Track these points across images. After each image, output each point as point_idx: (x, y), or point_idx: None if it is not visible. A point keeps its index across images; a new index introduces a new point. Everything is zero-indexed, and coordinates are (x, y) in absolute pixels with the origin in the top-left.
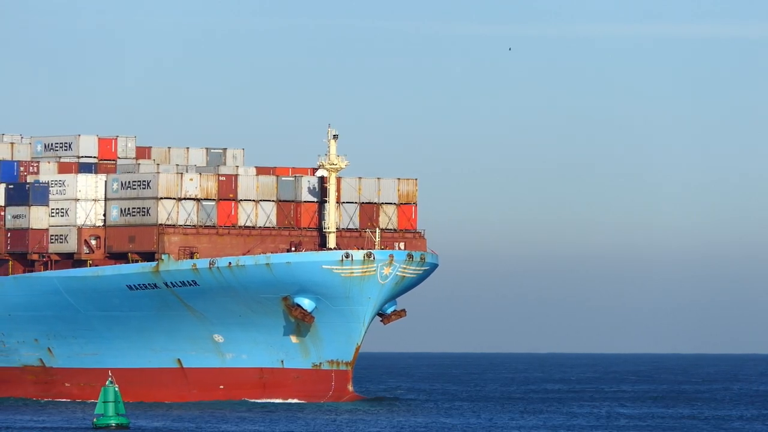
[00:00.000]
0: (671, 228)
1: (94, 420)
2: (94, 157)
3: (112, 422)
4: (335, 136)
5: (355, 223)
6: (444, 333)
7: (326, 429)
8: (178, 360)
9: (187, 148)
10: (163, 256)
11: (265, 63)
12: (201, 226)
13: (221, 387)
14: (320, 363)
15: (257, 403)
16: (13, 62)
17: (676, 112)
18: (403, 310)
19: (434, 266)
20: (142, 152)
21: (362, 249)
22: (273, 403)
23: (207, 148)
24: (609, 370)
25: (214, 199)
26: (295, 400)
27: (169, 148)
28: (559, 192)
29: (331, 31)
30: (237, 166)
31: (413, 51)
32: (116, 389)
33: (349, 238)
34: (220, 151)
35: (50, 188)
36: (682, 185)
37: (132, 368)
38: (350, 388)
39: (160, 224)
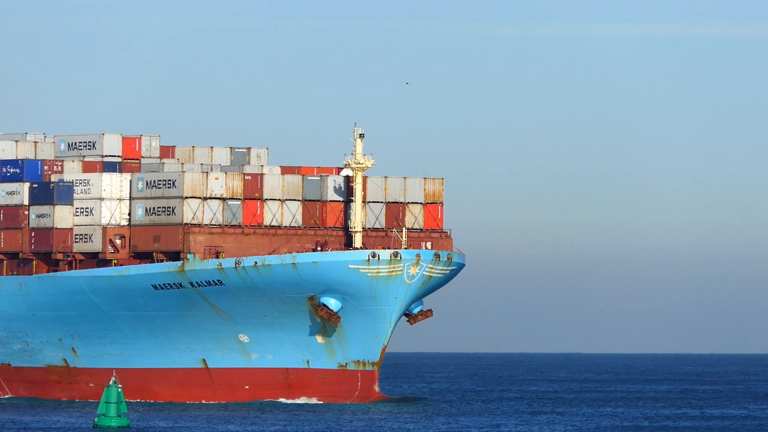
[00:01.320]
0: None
1: (95, 420)
2: (118, 156)
3: (113, 423)
4: (361, 135)
5: (381, 223)
6: (471, 333)
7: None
8: (203, 360)
9: (211, 147)
10: (188, 256)
11: (288, 62)
12: (226, 225)
13: (246, 387)
14: (346, 363)
15: (282, 403)
16: (34, 61)
17: (677, 112)
18: (430, 310)
19: (461, 266)
20: (166, 151)
21: (388, 249)
22: (298, 403)
23: (231, 148)
24: (672, 371)
25: (239, 199)
26: (316, 399)
27: (193, 147)
28: (587, 192)
29: (356, 32)
30: (262, 166)
31: (440, 51)
32: (119, 390)
33: (375, 237)
34: (245, 150)
35: (75, 187)
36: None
37: (156, 368)
38: (376, 388)
39: (186, 223)
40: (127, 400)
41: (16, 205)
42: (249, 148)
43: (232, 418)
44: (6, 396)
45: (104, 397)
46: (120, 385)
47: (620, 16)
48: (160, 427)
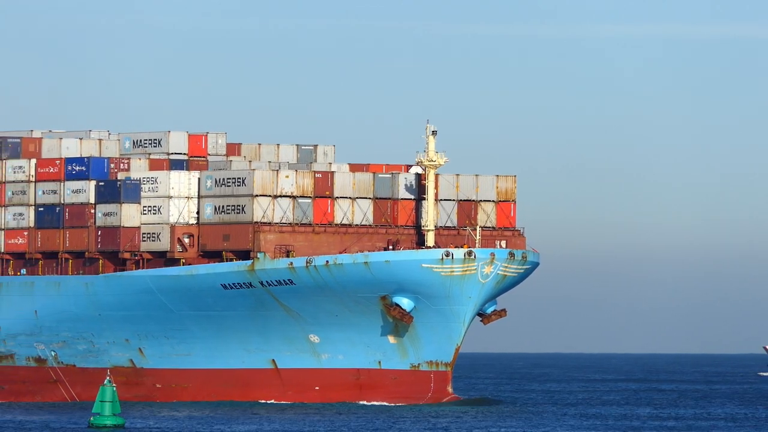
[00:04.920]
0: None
1: (90, 419)
2: (184, 153)
3: (108, 422)
4: (434, 133)
5: (453, 221)
6: (545, 333)
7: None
8: (273, 360)
9: (278, 144)
10: (258, 255)
11: (352, 60)
12: (297, 223)
13: (316, 388)
14: (419, 364)
15: (354, 405)
16: (94, 58)
17: (678, 112)
18: (504, 310)
19: (535, 265)
20: (232, 149)
21: (461, 247)
22: (370, 405)
23: (297, 145)
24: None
25: (310, 197)
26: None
27: (260, 144)
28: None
29: (426, 31)
30: (330, 163)
31: (512, 50)
32: (114, 389)
33: (447, 236)
34: (311, 147)
35: (142, 185)
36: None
37: (225, 369)
38: (450, 389)
39: (256, 222)
40: (192, 400)
41: (81, 203)
42: (315, 146)
43: (230, 419)
44: (72, 401)
45: (99, 396)
46: (114, 385)
47: (628, 16)
48: (154, 428)
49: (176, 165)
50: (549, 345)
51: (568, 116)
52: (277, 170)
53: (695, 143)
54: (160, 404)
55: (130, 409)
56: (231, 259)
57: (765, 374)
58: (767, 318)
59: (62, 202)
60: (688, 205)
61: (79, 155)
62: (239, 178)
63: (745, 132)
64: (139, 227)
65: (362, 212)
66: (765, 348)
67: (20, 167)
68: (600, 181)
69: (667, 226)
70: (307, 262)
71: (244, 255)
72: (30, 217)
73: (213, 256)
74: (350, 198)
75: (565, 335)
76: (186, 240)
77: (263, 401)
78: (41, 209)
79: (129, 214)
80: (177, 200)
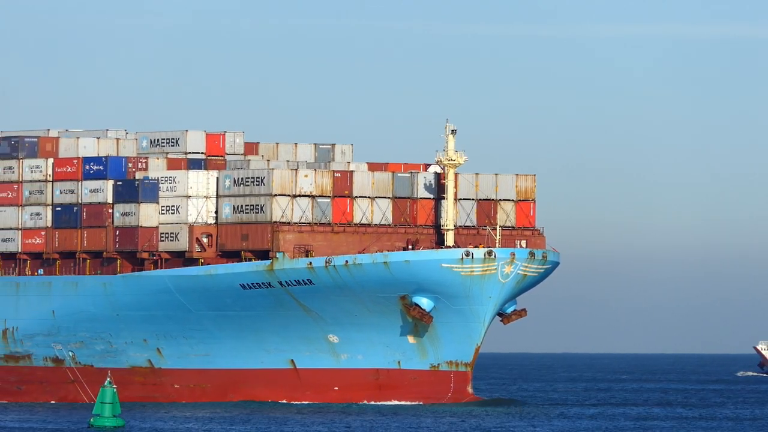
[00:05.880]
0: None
1: (90, 420)
2: (202, 153)
3: (108, 423)
4: (453, 131)
5: (473, 220)
6: (564, 333)
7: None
8: (291, 360)
9: (296, 143)
10: (277, 255)
11: (373, 59)
12: (316, 223)
13: (336, 388)
14: (438, 364)
15: (372, 405)
16: (107, 57)
17: (678, 112)
18: (524, 310)
19: (556, 264)
20: (250, 148)
21: (480, 247)
22: (389, 405)
23: (315, 144)
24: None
25: (329, 196)
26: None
27: (277, 143)
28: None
29: (435, 32)
30: (348, 163)
31: (519, 50)
32: (114, 390)
33: (467, 235)
34: (329, 146)
35: (160, 185)
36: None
37: (244, 369)
38: (470, 389)
39: (275, 222)
40: (210, 401)
41: (99, 203)
42: (333, 145)
43: (224, 419)
44: (90, 402)
45: (99, 398)
46: (115, 386)
47: (628, 16)
48: (154, 428)
49: (194, 164)
50: (548, 345)
51: (570, 116)
52: (296, 169)
53: (695, 143)
54: (173, 405)
55: (138, 409)
56: (250, 259)
57: (748, 374)
58: (767, 318)
59: (80, 201)
60: (688, 205)
61: (96, 155)
62: (258, 178)
63: (745, 132)
64: (157, 227)
65: (381, 212)
66: (755, 348)
67: (37, 167)
68: (600, 181)
69: (667, 226)
70: (326, 262)
71: (263, 255)
72: (47, 217)
73: (232, 255)
74: (369, 197)
75: (565, 336)
76: (204, 240)
77: (281, 401)
78: (59, 209)
79: (147, 214)
80: (195, 200)
